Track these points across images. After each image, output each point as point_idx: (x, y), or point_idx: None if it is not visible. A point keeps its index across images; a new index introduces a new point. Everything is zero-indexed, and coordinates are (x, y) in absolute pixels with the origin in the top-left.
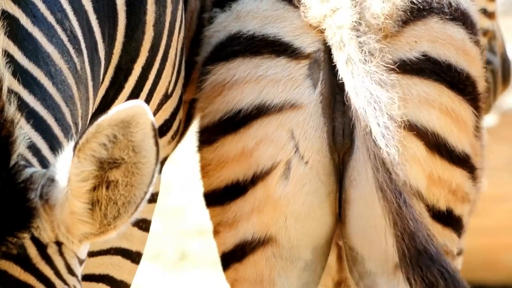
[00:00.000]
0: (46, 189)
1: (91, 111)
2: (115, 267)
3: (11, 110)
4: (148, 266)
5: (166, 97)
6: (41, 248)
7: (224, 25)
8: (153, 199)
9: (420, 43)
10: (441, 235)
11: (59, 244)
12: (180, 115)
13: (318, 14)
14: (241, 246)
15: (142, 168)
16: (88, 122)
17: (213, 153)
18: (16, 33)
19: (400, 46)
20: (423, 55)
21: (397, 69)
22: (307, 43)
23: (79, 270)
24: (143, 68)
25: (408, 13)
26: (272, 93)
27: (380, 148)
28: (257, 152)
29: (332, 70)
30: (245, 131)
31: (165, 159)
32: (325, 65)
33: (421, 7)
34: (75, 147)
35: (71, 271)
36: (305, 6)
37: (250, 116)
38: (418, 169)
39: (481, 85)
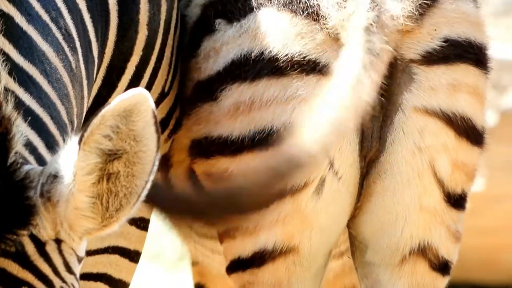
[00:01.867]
0: (48, 187)
1: (85, 109)
2: (113, 266)
3: (8, 108)
4: (148, 266)
5: (163, 95)
6: (40, 245)
7: (239, 42)
8: None
9: (439, 29)
10: (455, 221)
11: (58, 241)
12: (177, 113)
13: (337, 21)
14: (261, 253)
15: (143, 157)
16: (82, 121)
17: (237, 165)
18: (11, 31)
19: (422, 37)
20: (444, 41)
21: (423, 62)
22: (334, 57)
23: (78, 268)
24: (137, 67)
25: (424, 4)
26: (304, 112)
27: None
28: None
29: None
30: (277, 149)
31: (162, 157)
32: None
33: None
34: (80, 140)
35: (69, 269)
36: (324, 17)
37: (282, 135)
38: (447, 157)
39: (487, 47)
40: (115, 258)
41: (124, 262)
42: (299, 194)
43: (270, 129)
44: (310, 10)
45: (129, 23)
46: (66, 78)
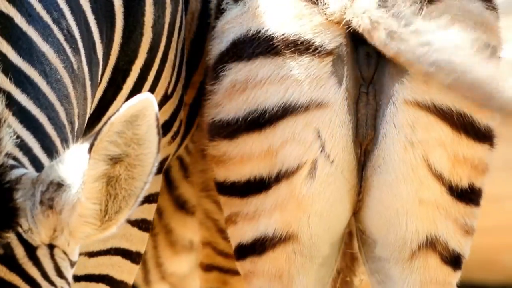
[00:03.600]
0: (50, 195)
1: (89, 110)
2: (115, 267)
3: None
4: None
5: (166, 98)
6: (30, 249)
7: (240, 21)
8: (153, 199)
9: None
10: (463, 214)
11: (51, 246)
12: (181, 116)
13: (338, 8)
14: (261, 241)
15: (144, 159)
16: (85, 122)
17: (234, 148)
18: (10, 32)
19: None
20: None
21: None
22: (329, 39)
23: (70, 272)
24: (141, 69)
25: None
26: (297, 92)
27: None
28: (282, 151)
29: (355, 62)
30: (271, 130)
31: (165, 159)
32: (348, 59)
33: None
34: (90, 148)
35: (60, 273)
36: (323, 2)
37: (276, 116)
38: (443, 152)
39: (500, 49)
40: (117, 259)
41: (126, 263)
42: (293, 177)
43: (263, 109)
44: None
45: (135, 25)
46: (66, 79)
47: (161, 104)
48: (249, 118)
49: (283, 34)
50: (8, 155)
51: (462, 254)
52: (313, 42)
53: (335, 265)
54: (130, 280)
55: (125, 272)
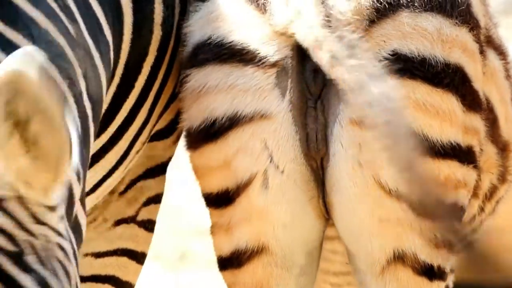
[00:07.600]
0: None
1: (104, 84)
2: (121, 268)
3: None
4: (148, 266)
5: (173, 97)
6: None
7: (199, 25)
8: (159, 200)
9: (389, 42)
10: (430, 229)
11: (19, 197)
12: None
13: (284, 19)
14: (237, 254)
15: (50, 109)
16: (101, 88)
17: (198, 159)
18: None
19: (370, 47)
20: (392, 54)
21: None
22: (274, 51)
23: (50, 216)
24: (151, 67)
25: (375, 12)
26: (242, 103)
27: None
28: (235, 162)
29: (301, 76)
30: (223, 141)
31: (170, 159)
32: (293, 72)
33: (388, 3)
34: None
35: (38, 220)
36: (270, 13)
37: (224, 126)
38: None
39: (470, 67)
40: (124, 260)
41: (132, 264)
42: (249, 189)
43: (213, 119)
44: (261, 1)
45: (144, 21)
46: (61, 41)
47: (168, 102)
48: (201, 128)
49: (230, 42)
50: None
51: (436, 266)
52: (258, 53)
53: (315, 273)
54: (134, 281)
55: (131, 273)
